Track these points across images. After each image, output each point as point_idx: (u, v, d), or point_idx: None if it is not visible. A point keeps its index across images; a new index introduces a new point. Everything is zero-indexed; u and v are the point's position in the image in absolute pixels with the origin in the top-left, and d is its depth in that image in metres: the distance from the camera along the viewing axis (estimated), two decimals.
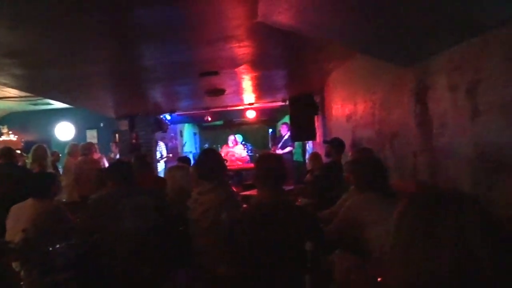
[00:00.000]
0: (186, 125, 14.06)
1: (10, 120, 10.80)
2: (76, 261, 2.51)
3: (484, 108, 2.34)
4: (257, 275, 2.01)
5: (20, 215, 3.36)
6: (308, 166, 5.64)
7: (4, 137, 10.26)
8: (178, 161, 5.91)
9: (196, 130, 15.54)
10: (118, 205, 2.79)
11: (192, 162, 6.35)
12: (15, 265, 2.41)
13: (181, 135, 13.64)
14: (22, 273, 2.35)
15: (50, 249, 2.48)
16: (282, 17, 3.26)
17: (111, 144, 8.93)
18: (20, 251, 2.47)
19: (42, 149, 5.84)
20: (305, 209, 2.46)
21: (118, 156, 8.64)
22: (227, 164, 9.94)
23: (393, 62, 3.55)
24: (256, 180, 2.27)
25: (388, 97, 3.97)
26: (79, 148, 6.73)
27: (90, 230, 2.86)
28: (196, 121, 13.23)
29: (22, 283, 2.29)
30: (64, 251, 2.51)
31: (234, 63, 4.93)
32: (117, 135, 9.29)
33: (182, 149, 13.27)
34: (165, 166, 10.62)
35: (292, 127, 8.21)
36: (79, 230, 3.11)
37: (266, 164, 2.24)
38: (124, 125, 9.03)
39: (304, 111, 7.91)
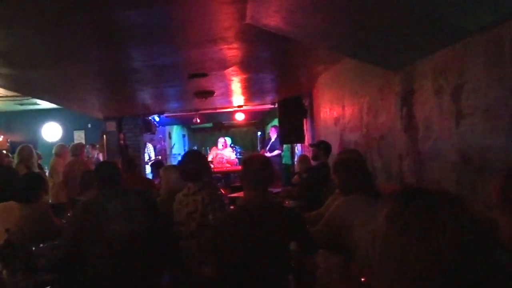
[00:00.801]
0: (175, 127, 14.02)
1: None
2: (60, 262, 2.48)
3: (468, 112, 2.38)
4: (242, 276, 2.02)
5: (6, 217, 3.31)
6: (297, 168, 5.67)
7: None
8: (151, 166, 5.85)
9: (185, 132, 15.51)
10: (107, 207, 2.75)
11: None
12: None
13: (170, 137, 13.60)
14: (4, 273, 2.32)
15: (34, 249, 2.45)
16: (271, 20, 3.28)
17: (87, 146, 8.76)
18: (2, 252, 2.44)
19: (28, 149, 5.77)
20: (291, 210, 2.47)
21: (96, 157, 8.55)
22: (215, 166, 9.99)
23: (380, 66, 3.59)
24: (243, 181, 2.27)
25: (376, 100, 4.01)
26: (70, 148, 6.67)
27: (77, 231, 2.82)
28: (185, 123, 13.20)
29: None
30: (48, 252, 2.48)
31: (223, 65, 4.94)
32: (104, 136, 9.21)
33: (171, 151, 13.22)
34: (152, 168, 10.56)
35: (281, 129, 8.24)
36: (66, 232, 3.08)
37: (252, 165, 2.24)
38: (111, 126, 8.97)
39: (293, 114, 7.95)
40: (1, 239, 2.80)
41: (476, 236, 0.95)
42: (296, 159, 7.69)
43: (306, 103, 7.95)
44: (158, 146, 12.16)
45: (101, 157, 8.89)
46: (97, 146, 9.09)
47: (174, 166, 4.25)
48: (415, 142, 3.12)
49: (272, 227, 2.02)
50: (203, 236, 2.69)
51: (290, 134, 8.04)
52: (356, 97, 4.63)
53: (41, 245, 2.53)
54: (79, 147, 6.73)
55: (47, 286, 2.36)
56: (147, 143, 10.78)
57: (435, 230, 0.96)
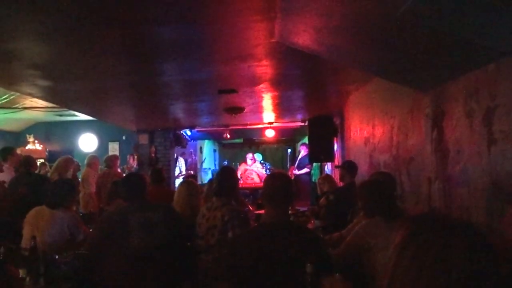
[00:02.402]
0: (206, 141, 14.17)
1: (36, 129, 11.12)
2: (81, 271, 2.52)
3: (499, 136, 2.28)
4: None
5: (37, 221, 3.42)
6: (320, 188, 5.55)
7: (29, 146, 10.56)
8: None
9: (216, 147, 15.63)
10: (129, 220, 2.79)
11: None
12: (22, 271, 2.44)
13: (201, 152, 13.74)
14: (27, 279, 2.37)
15: (56, 257, 2.50)
16: (299, 38, 3.29)
17: (128, 156, 9.02)
18: (27, 258, 2.50)
19: (66, 161, 5.95)
20: (309, 231, 2.41)
21: (135, 167, 8.73)
22: (244, 182, 9.99)
23: (410, 87, 3.51)
24: (263, 199, 2.25)
25: (406, 121, 3.92)
26: (104, 160, 6.87)
27: (99, 242, 2.87)
28: (216, 138, 13.33)
29: None
30: (70, 260, 2.53)
31: (253, 81, 4.97)
32: (137, 148, 9.40)
33: (201, 165, 13.34)
34: None
35: (310, 147, 8.17)
36: (89, 241, 3.14)
37: (272, 183, 2.21)
38: (144, 139, 9.15)
39: (323, 133, 7.87)
40: (29, 244, 2.88)
41: (490, 273, 0.90)
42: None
43: (337, 122, 7.87)
44: (189, 160, 12.30)
45: None
46: (135, 156, 9.31)
47: (186, 181, 4.30)
48: (445, 166, 3.01)
49: (288, 246, 1.98)
50: (220, 252, 2.68)
51: (320, 153, 7.95)
52: (386, 118, 4.54)
53: (64, 254, 2.58)
54: (112, 159, 6.93)
55: None
56: (179, 157, 10.91)
57: (446, 262, 0.92)
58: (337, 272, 1.90)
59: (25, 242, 3.24)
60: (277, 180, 2.23)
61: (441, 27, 2.22)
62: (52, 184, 3.96)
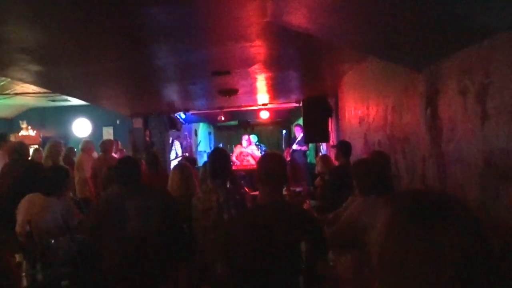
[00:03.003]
0: (201, 124, 14.12)
1: (29, 115, 11.01)
2: (77, 255, 2.53)
3: (493, 113, 2.27)
4: (251, 276, 2.00)
5: (29, 208, 3.41)
6: (317, 168, 5.58)
7: (23, 132, 10.47)
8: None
9: (211, 130, 15.59)
10: (122, 205, 2.78)
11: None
12: (18, 257, 2.45)
13: (196, 134, 13.70)
14: (24, 264, 2.38)
15: (52, 241, 2.51)
16: (292, 18, 3.24)
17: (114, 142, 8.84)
18: (23, 243, 2.51)
19: (57, 145, 5.92)
20: (303, 211, 2.42)
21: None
22: (241, 164, 9.98)
23: (404, 65, 3.49)
24: (257, 180, 2.25)
25: (400, 100, 3.91)
26: (99, 145, 6.84)
27: (95, 226, 2.87)
28: (211, 120, 13.28)
29: (23, 274, 2.32)
30: (66, 245, 2.53)
31: (246, 62, 4.93)
32: (133, 133, 9.33)
33: (197, 148, 13.33)
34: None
35: (305, 128, 8.17)
36: (85, 226, 3.14)
37: (265, 164, 2.21)
38: (138, 123, 9.10)
39: (318, 113, 7.86)
40: (24, 230, 2.88)
41: (481, 251, 0.90)
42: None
43: (331, 102, 7.86)
44: (184, 143, 12.28)
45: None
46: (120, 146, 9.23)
47: (180, 164, 4.29)
48: (439, 144, 3.02)
49: (282, 226, 1.99)
50: (216, 234, 2.69)
51: (315, 133, 7.96)
52: (381, 97, 4.53)
53: (60, 237, 2.59)
54: (107, 144, 6.89)
55: (64, 278, 2.41)
56: (175, 140, 10.88)
57: (437, 242, 0.91)
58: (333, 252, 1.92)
59: (19, 228, 3.24)
60: (270, 161, 2.23)
61: (435, 2, 2.19)
62: (46, 171, 3.93)
